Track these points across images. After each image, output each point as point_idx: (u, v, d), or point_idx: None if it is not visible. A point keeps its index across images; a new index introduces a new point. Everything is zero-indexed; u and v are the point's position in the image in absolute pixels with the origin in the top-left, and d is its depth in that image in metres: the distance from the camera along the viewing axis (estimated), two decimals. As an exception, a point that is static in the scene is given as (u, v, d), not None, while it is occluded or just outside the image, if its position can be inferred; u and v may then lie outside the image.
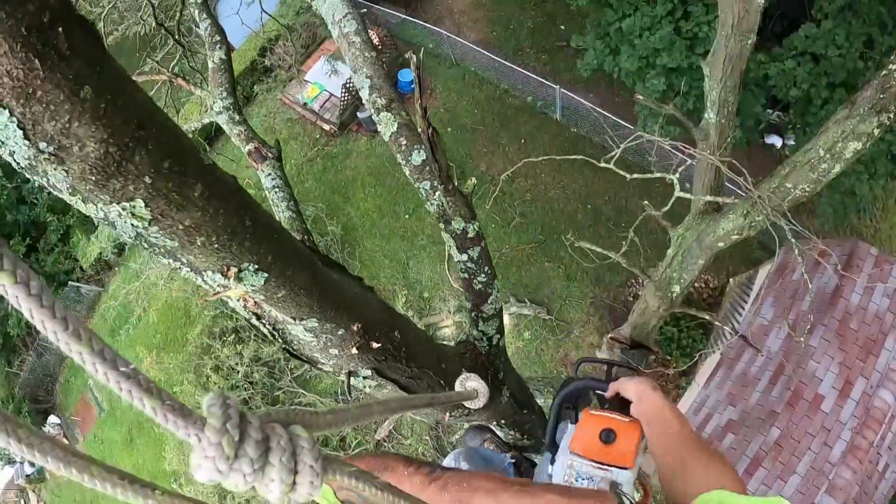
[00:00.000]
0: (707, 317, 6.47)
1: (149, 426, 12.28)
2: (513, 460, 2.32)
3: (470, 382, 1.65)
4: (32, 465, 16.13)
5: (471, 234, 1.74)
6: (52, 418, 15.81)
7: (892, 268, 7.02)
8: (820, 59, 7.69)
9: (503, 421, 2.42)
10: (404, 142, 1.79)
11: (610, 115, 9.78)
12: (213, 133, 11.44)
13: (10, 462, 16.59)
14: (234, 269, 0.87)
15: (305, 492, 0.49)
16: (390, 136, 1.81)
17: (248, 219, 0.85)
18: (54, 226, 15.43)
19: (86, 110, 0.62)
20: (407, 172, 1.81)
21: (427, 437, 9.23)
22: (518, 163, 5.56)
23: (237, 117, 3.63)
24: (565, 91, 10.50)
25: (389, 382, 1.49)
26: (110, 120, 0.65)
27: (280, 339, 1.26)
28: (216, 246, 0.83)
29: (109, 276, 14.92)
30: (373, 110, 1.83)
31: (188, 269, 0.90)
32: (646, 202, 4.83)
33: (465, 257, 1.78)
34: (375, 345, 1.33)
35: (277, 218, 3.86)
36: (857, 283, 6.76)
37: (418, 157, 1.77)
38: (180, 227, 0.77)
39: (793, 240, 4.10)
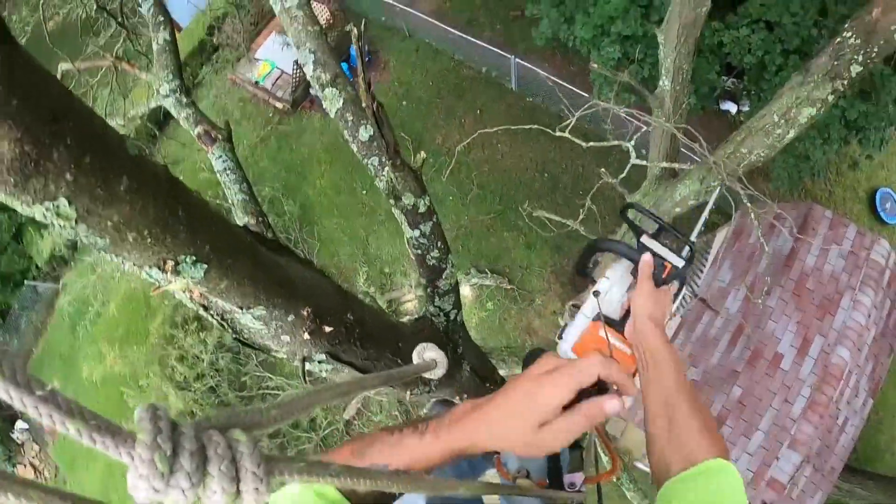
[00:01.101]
0: (665, 283, 6.54)
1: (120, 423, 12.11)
2: None
3: (428, 353, 1.64)
4: (26, 422, 15.71)
5: (421, 210, 1.72)
6: (20, 424, 15.44)
7: (846, 230, 7.22)
8: (774, 27, 7.76)
9: (465, 395, 2.43)
10: (350, 117, 1.74)
11: (565, 84, 9.76)
12: (162, 117, 11.12)
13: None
14: (170, 263, 0.83)
15: (252, 499, 0.47)
16: (336, 113, 1.76)
17: (181, 209, 0.81)
18: (6, 224, 14.95)
19: None
20: (355, 149, 1.77)
21: (396, 412, 9.27)
22: (474, 134, 5.53)
23: (184, 100, 3.52)
24: (520, 61, 10.42)
25: (345, 366, 1.47)
26: (22, 117, 0.60)
27: (230, 329, 1.23)
28: (149, 241, 0.79)
29: (65, 272, 14.53)
30: (317, 86, 1.78)
31: (130, 264, 0.87)
32: (602, 170, 4.84)
33: (416, 233, 1.75)
34: (328, 329, 1.31)
35: (230, 201, 3.78)
36: (812, 245, 6.94)
37: (365, 132, 1.73)
38: (109, 223, 0.73)
39: (748, 203, 4.16)
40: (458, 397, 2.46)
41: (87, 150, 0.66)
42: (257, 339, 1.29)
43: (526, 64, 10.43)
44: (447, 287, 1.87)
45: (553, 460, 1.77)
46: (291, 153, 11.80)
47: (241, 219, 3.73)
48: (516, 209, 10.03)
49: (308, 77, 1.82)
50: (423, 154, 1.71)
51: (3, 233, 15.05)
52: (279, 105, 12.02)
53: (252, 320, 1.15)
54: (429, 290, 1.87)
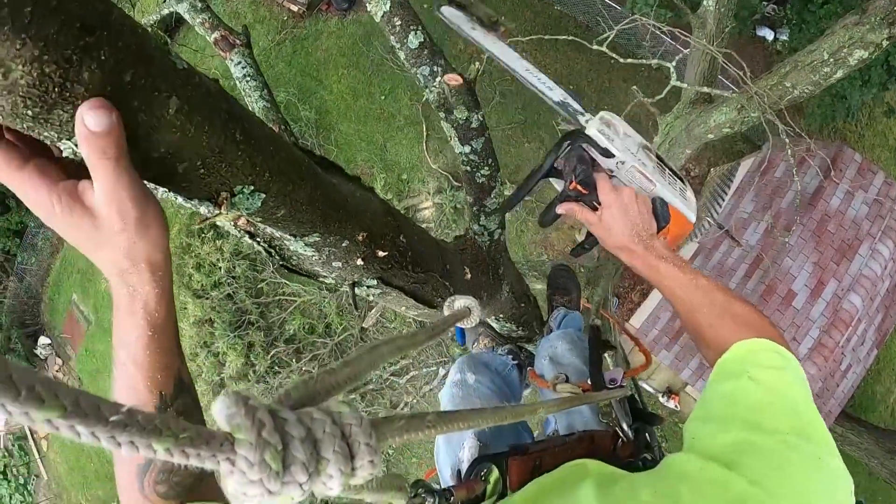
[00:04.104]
0: (686, 208, 6.39)
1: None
2: (515, 361, 2.30)
3: (458, 302, 1.55)
4: None
5: (474, 125, 1.59)
6: (43, 339, 15.80)
7: (874, 177, 7.13)
8: None
9: (501, 315, 2.37)
10: (398, 22, 1.59)
11: (598, -9, 9.30)
12: (172, 24, 10.71)
13: None
14: (225, 195, 0.72)
15: (367, 473, 0.41)
16: (382, 17, 1.61)
17: (239, 132, 0.69)
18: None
19: (2, 20, 0.44)
20: (402, 57, 1.63)
21: (410, 319, 9.37)
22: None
23: (199, 4, 3.31)
24: (550, -35, 9.93)
25: (395, 290, 1.40)
26: (41, 29, 0.46)
27: (277, 256, 1.14)
28: (202, 171, 0.67)
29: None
30: (364, -15, 1.62)
31: (179, 199, 0.76)
32: (635, 87, 4.62)
33: (467, 149, 1.64)
34: (382, 253, 1.22)
35: (251, 108, 3.64)
36: (838, 187, 6.80)
37: (415, 39, 1.59)
38: (155, 155, 0.61)
39: (786, 139, 4.01)
40: (493, 317, 2.41)
41: (126, 67, 0.53)
42: (306, 265, 1.20)
43: (556, -32, 9.92)
44: (494, 206, 1.76)
45: (594, 349, 1.72)
46: (307, 57, 11.43)
47: (263, 127, 3.62)
48: (538, 119, 9.76)
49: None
50: (478, 65, 1.57)
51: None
52: (294, 7, 11.55)
53: (304, 247, 1.06)
54: (475, 208, 1.77)
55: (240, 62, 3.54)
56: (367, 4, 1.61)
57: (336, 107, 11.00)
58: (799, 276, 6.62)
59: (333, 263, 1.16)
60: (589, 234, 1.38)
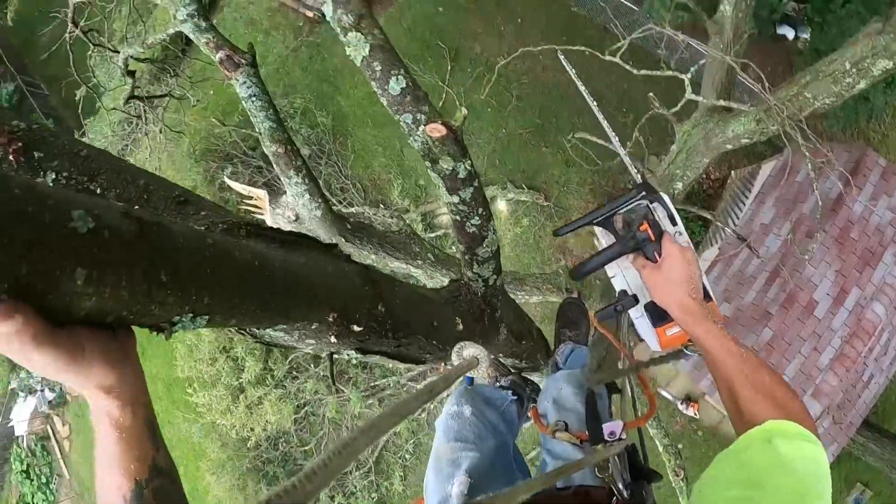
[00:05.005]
0: (707, 215, 6.32)
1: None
2: (514, 397, 2.25)
3: (467, 350, 1.52)
4: (53, 390, 16.55)
5: (462, 175, 1.54)
6: None
7: None
8: None
9: (501, 355, 2.33)
10: (378, 67, 1.53)
11: (614, -6, 9.19)
12: (186, 36, 10.77)
13: (31, 392, 16.97)
14: (164, 327, 0.69)
15: None
16: (362, 62, 1.56)
17: (165, 272, 0.64)
18: None
19: None
20: (385, 103, 1.58)
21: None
22: (515, 47, 5.24)
23: (203, 24, 3.30)
24: (566, -35, 9.83)
25: (376, 355, 1.35)
26: None
27: (248, 335, 1.11)
28: (131, 318, 0.64)
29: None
30: (339, 31, 1.57)
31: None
32: (651, 94, 4.54)
33: (455, 199, 1.58)
34: (357, 328, 1.17)
35: (257, 129, 3.61)
36: (861, 192, 6.63)
37: (396, 85, 1.53)
38: (77, 317, 0.58)
39: (804, 149, 3.89)
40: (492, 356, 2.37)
41: (18, 262, 0.50)
42: (279, 342, 1.16)
43: (572, -30, 9.82)
44: (487, 254, 1.71)
45: (590, 408, 1.68)
46: (323, 63, 11.44)
47: (268, 147, 3.58)
48: (556, 123, 9.66)
49: (328, 19, 1.62)
50: (464, 111, 1.51)
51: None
52: (309, 14, 11.56)
53: (272, 332, 1.03)
54: (467, 256, 1.72)
55: (245, 82, 3.52)
56: (346, 49, 1.56)
57: (353, 112, 10.99)
58: (821, 284, 6.45)
59: (307, 341, 1.12)
60: (623, 295, 1.40)
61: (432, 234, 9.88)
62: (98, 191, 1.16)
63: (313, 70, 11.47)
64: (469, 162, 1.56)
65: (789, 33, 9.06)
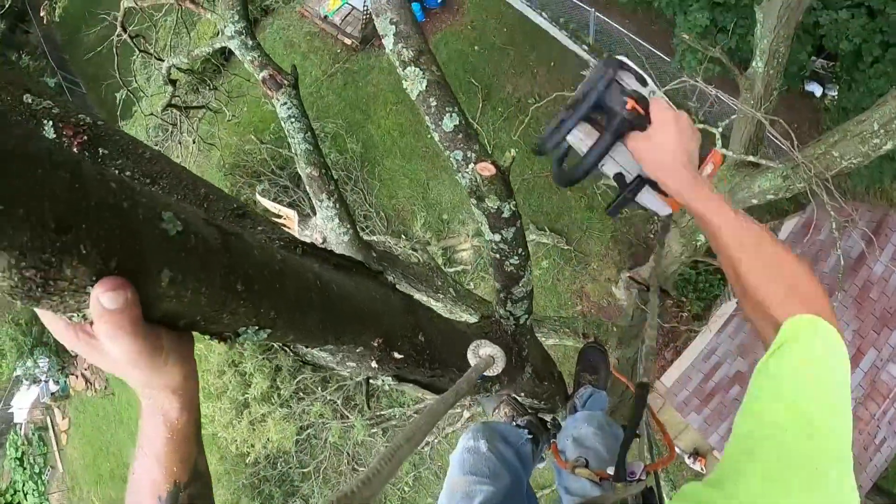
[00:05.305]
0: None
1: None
2: (530, 436, 2.25)
3: (483, 349, 1.53)
4: (57, 382, 16.61)
5: (506, 215, 1.56)
6: None
7: None
8: (877, 15, 7.18)
9: (523, 393, 2.33)
10: (434, 103, 1.58)
11: (645, 44, 9.30)
12: (226, 51, 11.01)
13: (35, 381, 17.04)
14: (229, 337, 0.71)
15: None
16: (418, 96, 1.60)
17: (241, 282, 0.66)
18: None
19: None
20: (436, 138, 1.61)
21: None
22: (547, 90, 5.30)
23: (250, 42, 3.39)
24: (600, 14, 9.97)
25: (410, 384, 1.37)
26: (13, 240, 0.43)
27: (291, 353, 1.12)
28: (203, 324, 0.66)
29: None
30: (398, 63, 1.62)
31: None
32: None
33: (497, 237, 1.60)
34: (398, 356, 1.19)
35: (293, 150, 3.67)
36: (883, 253, 6.60)
37: (450, 122, 1.57)
38: (153, 318, 0.59)
39: (829, 207, 3.90)
40: (512, 395, 2.37)
41: (112, 253, 0.51)
42: (321, 363, 1.18)
43: (605, 18, 9.98)
44: (522, 294, 1.73)
45: (625, 446, 1.66)
46: (357, 90, 11.63)
47: (303, 169, 3.63)
48: (584, 168, 9.71)
49: (388, 51, 1.66)
50: (513, 152, 1.54)
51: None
52: (348, 41, 11.80)
53: (318, 352, 1.04)
54: (502, 294, 1.73)
55: (285, 103, 3.60)
56: (404, 82, 1.60)
57: (382, 142, 11.13)
58: (838, 344, 6.42)
59: (348, 363, 1.14)
60: (622, 181, 1.25)
61: (451, 270, 9.91)
62: (159, 197, 1.19)
63: (347, 96, 11.66)
64: (514, 203, 1.58)
65: (817, 90, 9.12)
